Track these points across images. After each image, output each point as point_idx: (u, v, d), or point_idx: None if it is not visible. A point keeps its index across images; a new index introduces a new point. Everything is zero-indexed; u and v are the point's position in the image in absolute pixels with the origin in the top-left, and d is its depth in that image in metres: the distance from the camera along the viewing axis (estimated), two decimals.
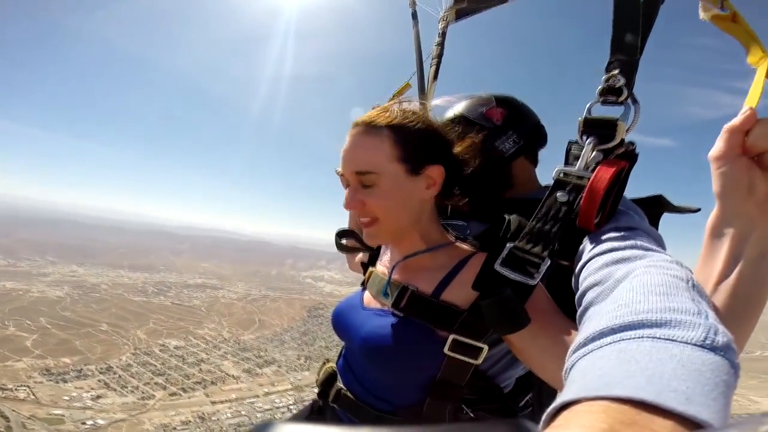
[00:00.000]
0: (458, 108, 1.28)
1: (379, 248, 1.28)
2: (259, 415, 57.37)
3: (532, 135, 1.26)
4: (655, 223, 0.97)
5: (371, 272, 1.17)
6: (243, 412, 57.92)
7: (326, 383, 1.12)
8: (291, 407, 59.10)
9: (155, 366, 68.08)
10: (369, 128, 0.96)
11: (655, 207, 0.98)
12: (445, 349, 0.88)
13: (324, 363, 1.20)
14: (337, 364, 1.16)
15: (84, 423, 47.82)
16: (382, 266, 1.17)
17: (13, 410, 46.33)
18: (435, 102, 1.40)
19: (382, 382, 0.99)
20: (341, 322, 1.12)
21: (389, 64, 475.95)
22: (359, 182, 0.97)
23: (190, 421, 52.97)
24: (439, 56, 1.62)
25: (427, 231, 1.04)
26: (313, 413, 1.21)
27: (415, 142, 0.96)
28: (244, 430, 52.51)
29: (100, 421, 49.01)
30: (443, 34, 1.62)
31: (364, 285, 1.20)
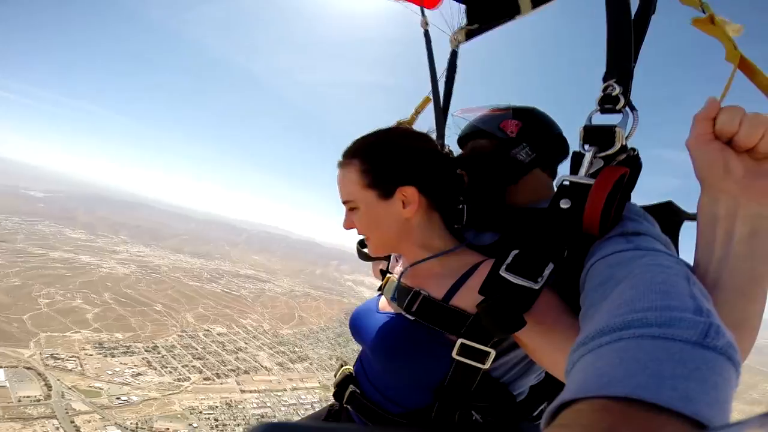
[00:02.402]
0: (474, 120, 1.30)
1: (389, 257, 1.38)
2: (283, 408, 59.07)
3: (549, 147, 1.25)
4: (673, 232, 0.97)
5: (388, 278, 1.22)
6: (268, 404, 60.04)
7: (341, 384, 1.15)
8: (315, 405, 60.21)
9: (196, 349, 72.15)
10: (344, 161, 1.07)
11: (669, 215, 0.98)
12: (453, 353, 0.89)
13: (341, 365, 1.23)
14: (354, 366, 1.20)
15: (118, 398, 51.39)
16: (395, 273, 1.23)
17: (57, 379, 50.80)
18: (454, 113, 1.45)
19: (392, 384, 1.02)
20: (357, 324, 1.17)
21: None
22: (348, 207, 1.09)
23: (216, 407, 55.53)
24: (452, 75, 1.70)
25: (426, 241, 1.08)
26: (330, 415, 1.23)
27: (382, 168, 1.03)
28: (264, 420, 54.07)
29: (134, 398, 52.40)
30: (454, 54, 1.72)
31: (381, 290, 1.26)
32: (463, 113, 1.37)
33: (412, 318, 0.98)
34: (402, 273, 1.14)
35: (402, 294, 1.05)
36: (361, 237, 1.36)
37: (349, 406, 1.11)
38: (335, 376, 1.22)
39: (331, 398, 1.20)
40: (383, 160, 1.04)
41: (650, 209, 0.93)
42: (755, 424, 0.21)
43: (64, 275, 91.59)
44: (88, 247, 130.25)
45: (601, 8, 0.90)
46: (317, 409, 1.40)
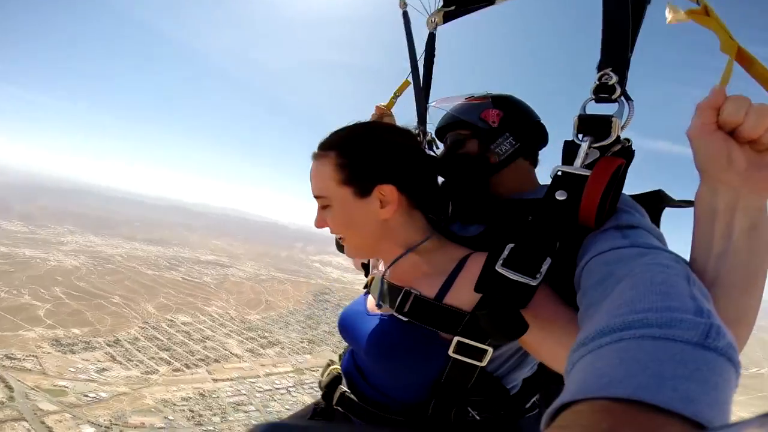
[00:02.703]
0: (453, 110, 1.26)
1: None
2: (258, 395, 58.62)
3: (531, 135, 1.23)
4: (656, 218, 0.97)
5: (372, 277, 1.19)
6: (243, 391, 59.12)
7: (329, 386, 1.13)
8: (290, 389, 59.96)
9: (161, 341, 69.87)
10: (319, 153, 1.02)
11: (656, 202, 0.97)
12: (450, 352, 0.88)
13: (328, 365, 1.20)
14: (341, 365, 1.17)
15: (86, 395, 49.20)
16: (379, 270, 1.18)
17: (18, 380, 47.85)
18: (431, 104, 1.41)
19: (389, 382, 1.01)
20: (347, 327, 1.14)
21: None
22: (320, 204, 1.03)
23: (190, 398, 54.29)
24: (431, 58, 1.66)
25: (408, 241, 1.04)
26: (316, 414, 1.19)
27: (360, 163, 0.97)
28: (241, 409, 53.80)
29: (103, 394, 50.40)
30: (432, 36, 1.67)
31: (367, 288, 1.22)
32: (440, 103, 1.33)
33: (405, 319, 0.96)
34: (384, 273, 1.09)
35: (392, 294, 1.02)
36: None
37: (339, 408, 1.08)
38: (322, 376, 1.18)
39: (306, 382, 1.22)
40: (362, 155, 0.98)
41: (640, 198, 0.93)
42: (755, 425, 0.21)
43: (6, 271, 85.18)
44: (29, 240, 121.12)
45: None
46: (300, 408, 1.36)
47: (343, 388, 1.09)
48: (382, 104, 1.69)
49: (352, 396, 1.06)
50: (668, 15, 0.87)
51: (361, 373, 1.08)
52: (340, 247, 1.37)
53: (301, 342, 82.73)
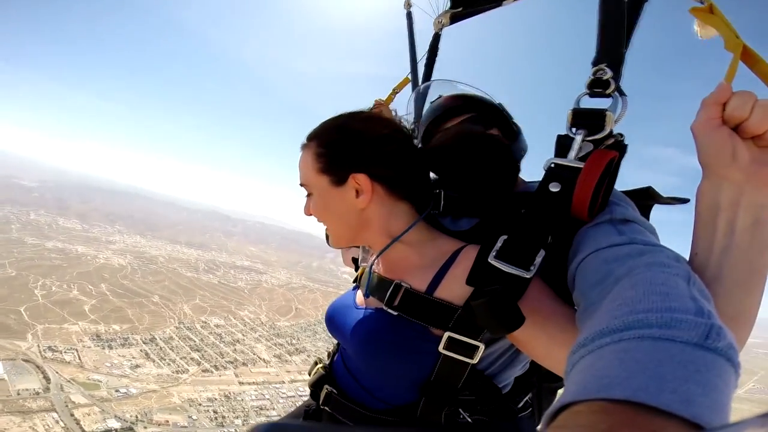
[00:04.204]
0: (480, 95, 1.18)
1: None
2: (282, 401, 59.34)
3: (522, 140, 1.20)
4: (645, 215, 0.97)
5: (362, 269, 1.17)
6: (266, 396, 60.29)
7: (317, 385, 1.09)
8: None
9: (194, 341, 72.34)
10: (305, 142, 1.03)
11: (645, 199, 0.97)
12: (440, 348, 0.86)
13: (315, 363, 1.17)
14: (331, 363, 1.14)
15: (118, 390, 51.56)
16: (368, 263, 1.16)
17: (56, 372, 50.86)
18: (437, 79, 1.40)
19: (377, 381, 0.98)
20: (335, 320, 1.10)
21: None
22: (307, 192, 1.05)
23: (215, 399, 55.78)
24: (433, 57, 1.68)
25: (390, 230, 1.01)
26: (308, 415, 1.17)
27: (335, 152, 0.97)
28: (264, 414, 54.20)
29: (133, 390, 52.65)
30: (437, 37, 1.70)
31: (356, 282, 1.20)
32: (450, 83, 1.29)
33: (395, 313, 0.93)
34: (371, 265, 1.08)
35: (381, 287, 0.99)
36: None
37: (326, 407, 1.05)
38: (309, 375, 1.16)
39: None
40: (337, 145, 0.98)
41: (629, 193, 0.94)
42: (755, 425, 0.21)
43: (59, 266, 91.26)
44: (83, 237, 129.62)
45: None
46: (293, 409, 1.36)
47: (329, 387, 1.05)
48: (381, 99, 1.71)
49: (338, 396, 1.02)
50: (697, 30, 0.86)
51: (349, 370, 1.04)
52: (329, 242, 1.39)
53: (328, 351, 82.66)
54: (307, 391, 1.11)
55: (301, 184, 1.04)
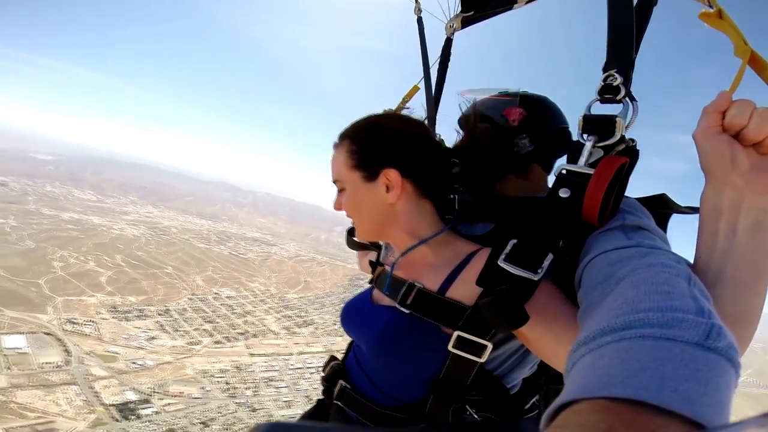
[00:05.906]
0: (478, 102, 1.26)
1: (380, 246, 1.35)
2: (290, 372, 61.49)
3: (549, 142, 1.21)
4: (663, 223, 0.97)
5: (380, 270, 1.20)
6: (276, 368, 62.28)
7: (330, 380, 1.14)
8: (320, 369, 61.15)
9: (206, 313, 74.56)
10: (337, 142, 1.08)
11: (661, 207, 0.98)
12: (450, 346, 0.88)
13: (329, 360, 1.22)
14: (345, 360, 1.18)
15: (134, 362, 53.59)
16: (386, 264, 1.21)
17: (76, 344, 52.70)
18: (459, 92, 1.38)
19: (388, 378, 1.01)
20: (350, 318, 1.15)
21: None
22: (338, 188, 1.10)
23: (227, 370, 57.87)
24: (446, 62, 1.69)
25: (415, 228, 1.05)
26: (319, 411, 1.21)
27: (368, 149, 1.03)
28: (273, 385, 56.32)
29: (149, 362, 54.71)
30: (449, 41, 1.69)
31: (372, 282, 1.23)
32: (467, 93, 1.33)
33: (407, 311, 0.96)
34: (394, 264, 1.11)
35: (396, 286, 1.03)
36: (351, 226, 1.34)
37: (339, 402, 1.08)
38: (323, 371, 1.20)
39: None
40: (370, 141, 1.03)
41: (643, 201, 0.93)
42: (755, 425, 0.21)
43: (76, 237, 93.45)
44: (98, 208, 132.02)
45: None
46: (307, 408, 1.39)
47: (343, 383, 1.08)
48: (391, 109, 1.76)
49: (352, 392, 1.06)
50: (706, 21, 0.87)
51: (361, 368, 1.08)
52: (351, 243, 1.44)
53: (334, 324, 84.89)
54: (314, 362, 1.29)
55: (334, 181, 1.09)
